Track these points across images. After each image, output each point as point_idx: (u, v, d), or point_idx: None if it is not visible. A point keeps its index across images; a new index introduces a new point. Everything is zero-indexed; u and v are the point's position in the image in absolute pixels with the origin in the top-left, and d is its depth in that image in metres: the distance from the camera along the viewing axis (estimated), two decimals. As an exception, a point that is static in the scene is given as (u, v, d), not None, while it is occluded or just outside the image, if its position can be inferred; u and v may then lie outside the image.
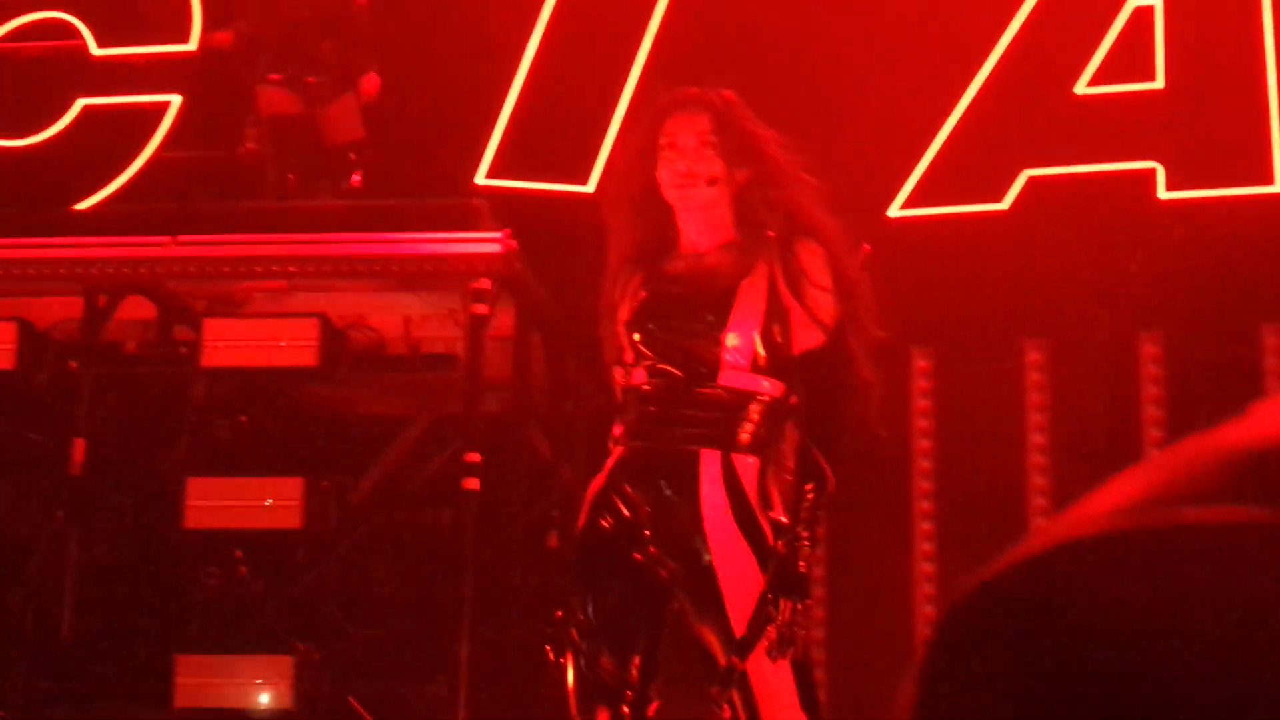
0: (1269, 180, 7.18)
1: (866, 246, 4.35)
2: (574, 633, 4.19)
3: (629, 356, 4.31)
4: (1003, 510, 7.43)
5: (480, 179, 7.67)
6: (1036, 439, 7.49)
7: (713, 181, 4.29)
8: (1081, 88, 7.47)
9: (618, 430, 4.32)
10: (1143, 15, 7.51)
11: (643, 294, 4.32)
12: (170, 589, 7.18)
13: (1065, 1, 7.58)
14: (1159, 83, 7.42)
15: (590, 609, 4.19)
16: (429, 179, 7.66)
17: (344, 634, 7.26)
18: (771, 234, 4.27)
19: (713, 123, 4.32)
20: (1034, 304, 7.50)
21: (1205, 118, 7.34)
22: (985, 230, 7.42)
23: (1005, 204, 7.40)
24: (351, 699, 7.04)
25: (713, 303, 4.22)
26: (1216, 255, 7.36)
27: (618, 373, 4.37)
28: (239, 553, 7.05)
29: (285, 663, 6.83)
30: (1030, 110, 7.51)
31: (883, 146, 7.48)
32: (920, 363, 7.61)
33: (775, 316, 4.21)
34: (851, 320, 4.24)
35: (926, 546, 7.51)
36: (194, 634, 7.05)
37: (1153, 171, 7.28)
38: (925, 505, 7.54)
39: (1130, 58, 7.47)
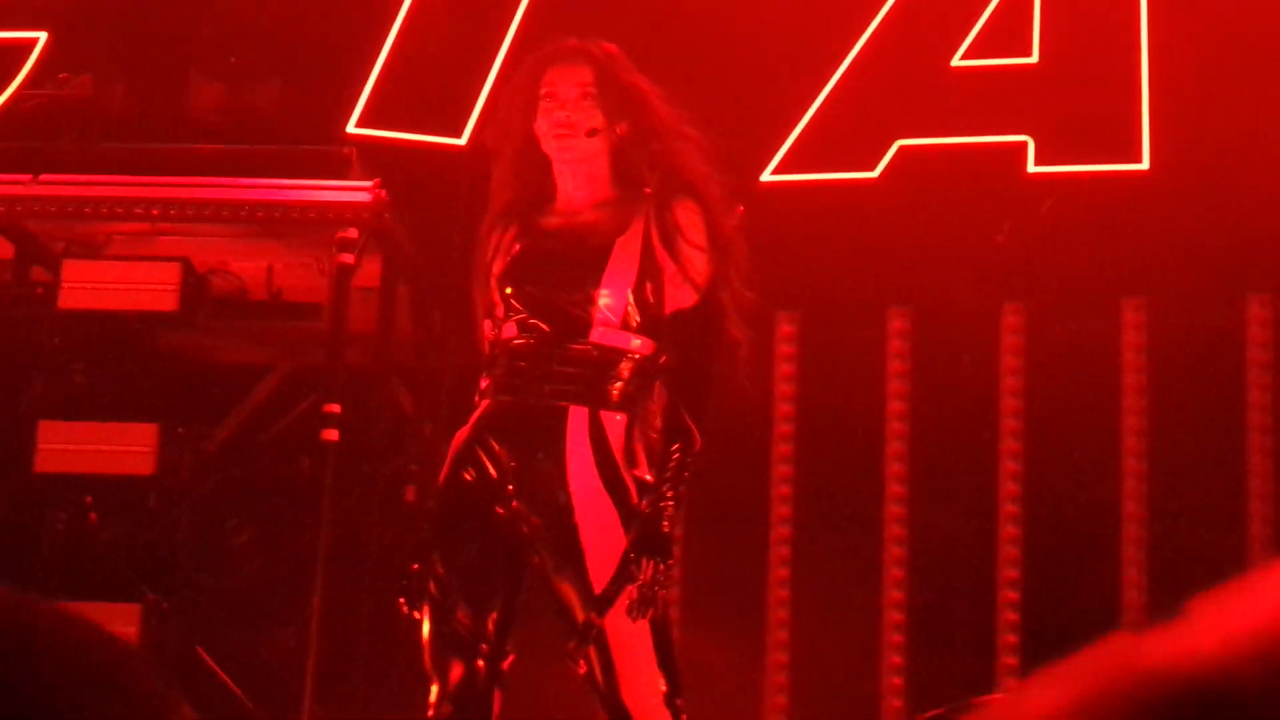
0: (1138, 158, 7.25)
1: (740, 208, 4.34)
2: (431, 585, 4.16)
3: (500, 311, 4.28)
4: (860, 475, 7.47)
5: (351, 128, 7.57)
6: (896, 405, 7.53)
7: (592, 132, 4.26)
8: (957, 60, 7.49)
9: (484, 383, 4.29)
10: (1020, -11, 7.56)
11: (517, 248, 4.29)
12: (18, 533, 7.05)
13: (943, -27, 7.61)
14: (1034, 58, 7.46)
15: (448, 562, 4.16)
16: (300, 126, 7.55)
17: (195, 583, 7.16)
18: (649, 190, 4.25)
19: (594, 74, 4.29)
20: (900, 273, 7.53)
21: (1078, 94, 7.39)
22: (856, 198, 7.44)
23: (876, 173, 7.41)
24: (199, 649, 6.96)
25: (587, 259, 4.20)
26: (1083, 230, 7.43)
27: (486, 326, 4.34)
28: (89, 498, 6.94)
29: (133, 611, 6.73)
30: (905, 81, 7.53)
31: (757, 111, 7.46)
32: (785, 327, 7.62)
33: (649, 275, 4.19)
34: (724, 280, 4.23)
35: (783, 509, 7.53)
36: (40, 579, 6.93)
37: (1024, 145, 7.32)
38: (784, 469, 7.56)
39: (1007, 32, 7.51)
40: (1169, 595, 7.14)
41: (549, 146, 4.29)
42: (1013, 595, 7.31)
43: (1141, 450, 7.33)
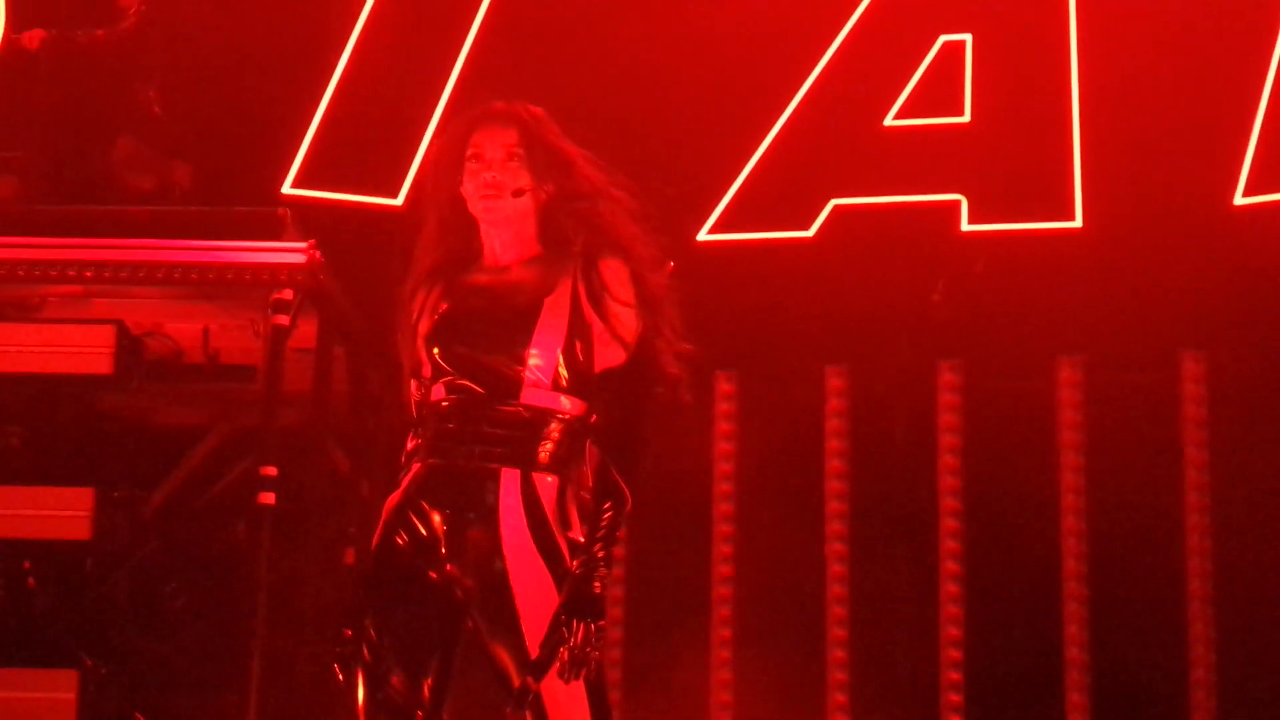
0: (1070, 216, 7.30)
1: (670, 264, 4.34)
2: (365, 651, 4.13)
3: (427, 371, 4.26)
4: (801, 533, 7.47)
5: (287, 188, 7.57)
6: (835, 464, 7.54)
7: (518, 193, 4.26)
8: (890, 119, 7.54)
9: (411, 444, 4.27)
10: (953, 50, 7.62)
11: (444, 307, 4.28)
12: (-45, 599, 6.99)
13: (876, 34, 7.66)
14: (966, 116, 7.52)
15: (382, 627, 4.13)
16: (235, 188, 7.54)
17: (133, 648, 7.11)
18: (576, 249, 4.25)
19: (520, 135, 4.29)
20: (837, 331, 7.55)
21: (1010, 152, 7.45)
22: (791, 257, 7.47)
23: (811, 232, 7.45)
24: (137, 714, 6.90)
25: (515, 319, 4.19)
26: (1018, 288, 7.46)
27: (413, 386, 4.32)
28: (26, 563, 6.88)
29: (70, 676, 6.67)
30: (839, 140, 7.58)
31: (692, 171, 7.49)
32: (724, 386, 7.64)
33: (578, 334, 4.18)
34: (655, 332, 4.22)
35: (725, 568, 7.53)
36: (-23, 645, 6.87)
37: (957, 204, 7.37)
38: (725, 528, 7.56)
39: (939, 91, 7.56)
40: (1109, 651, 7.16)
41: (475, 207, 4.28)
42: (955, 654, 7.31)
43: (1080, 507, 7.36)
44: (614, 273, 4.22)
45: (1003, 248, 7.40)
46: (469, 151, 4.29)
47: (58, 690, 6.66)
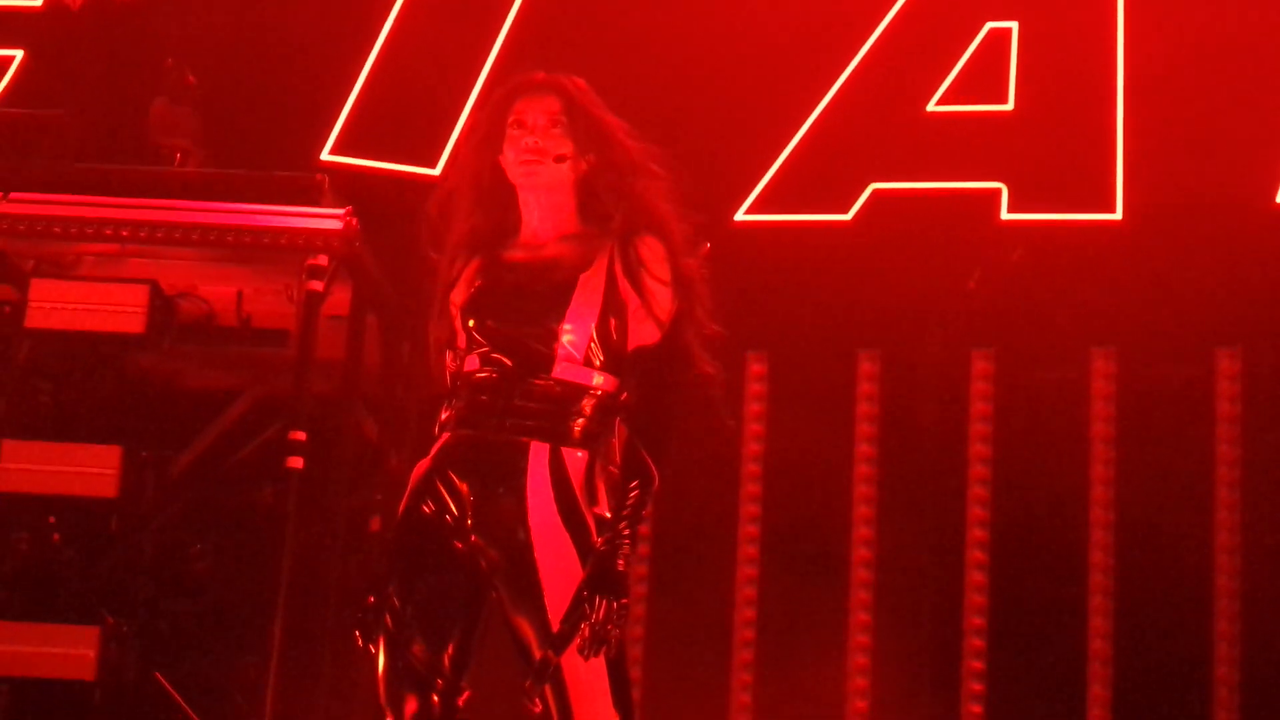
0: (1111, 208, 7.27)
1: (706, 245, 4.33)
2: (387, 618, 4.13)
3: (461, 342, 4.26)
4: (828, 516, 7.46)
5: (325, 155, 7.56)
6: (865, 449, 7.52)
7: (560, 159, 4.25)
8: (932, 105, 7.52)
9: (445, 415, 4.27)
10: (998, 37, 7.58)
11: (480, 280, 4.27)
12: (-22, 552, 7.01)
13: (921, 19, 7.63)
14: (1009, 105, 7.49)
15: (405, 595, 4.13)
16: (273, 152, 7.54)
17: (155, 608, 7.11)
18: (614, 225, 4.23)
19: (562, 104, 4.28)
20: (871, 316, 7.53)
21: (1052, 143, 7.42)
22: (828, 240, 7.45)
23: (849, 216, 7.43)
24: (158, 674, 6.91)
25: (550, 294, 4.18)
26: (1054, 278, 7.43)
27: (448, 357, 4.32)
28: (52, 519, 6.89)
29: (92, 633, 6.68)
30: (880, 124, 7.55)
31: (732, 151, 7.48)
32: (755, 367, 7.62)
33: (612, 311, 4.17)
34: (688, 316, 4.21)
35: (750, 549, 7.52)
36: (0, 599, 6.88)
37: (997, 192, 7.34)
38: (752, 508, 7.55)
39: (983, 78, 7.53)
40: (1134, 644, 7.14)
41: (516, 174, 4.27)
42: (978, 643, 7.29)
43: (1109, 499, 7.33)
44: (651, 250, 4.21)
45: (1041, 237, 7.37)
46: (511, 118, 4.28)
47: (78, 646, 6.68)
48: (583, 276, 4.19)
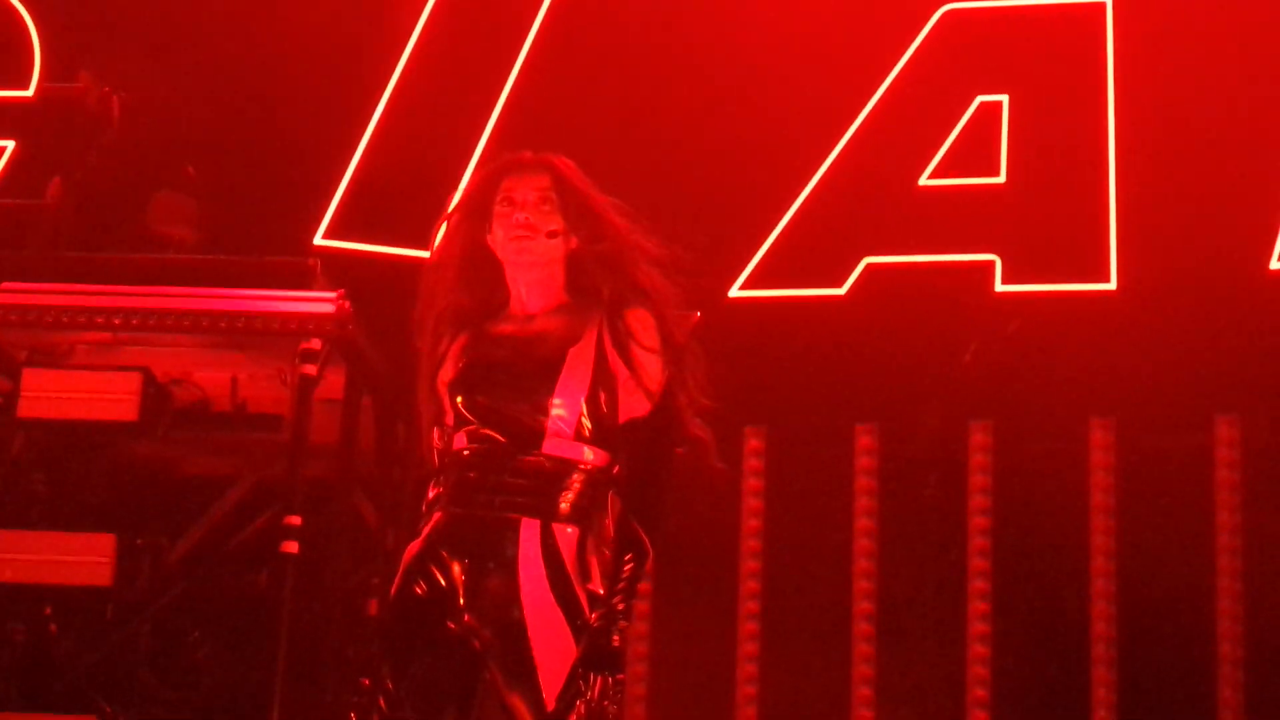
0: (1105, 278, 7.26)
1: (697, 314, 4.31)
2: (381, 701, 4.09)
3: (449, 419, 4.23)
4: (828, 591, 7.42)
5: (318, 239, 7.57)
6: (864, 523, 7.49)
7: (552, 234, 4.24)
8: (925, 179, 7.52)
9: (433, 493, 4.24)
10: (989, 110, 7.60)
11: (467, 356, 4.25)
12: (-26, 644, 6.96)
13: (913, 94, 7.65)
14: (1001, 177, 7.49)
15: (398, 677, 4.09)
16: (265, 238, 7.54)
17: (154, 697, 7.07)
18: (602, 297, 4.22)
19: (551, 180, 4.28)
20: (868, 389, 7.51)
21: (1045, 213, 7.42)
22: (823, 315, 7.44)
23: (844, 290, 7.42)
24: (156, 764, 6.86)
25: (540, 369, 4.16)
26: (1050, 349, 7.42)
27: (435, 434, 4.30)
28: (48, 609, 6.86)
29: (90, 724, 6.65)
30: (873, 198, 7.56)
31: (725, 226, 7.48)
32: (753, 442, 7.59)
33: (602, 384, 4.16)
34: (679, 384, 4.19)
35: (751, 625, 7.47)
36: (-3, 690, 6.85)
37: (991, 264, 7.33)
38: (752, 584, 7.50)
39: (974, 151, 7.54)
40: (1138, 716, 7.09)
41: (506, 250, 4.26)
42: (982, 716, 7.24)
43: (1111, 570, 7.30)
44: (640, 321, 4.19)
45: (1036, 308, 7.36)
46: (499, 196, 4.28)
47: (78, 737, 6.64)
48: (571, 350, 4.17)
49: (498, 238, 4.26)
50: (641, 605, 7.05)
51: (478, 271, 4.32)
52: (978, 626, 7.32)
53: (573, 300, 4.27)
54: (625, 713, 4.08)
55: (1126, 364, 7.37)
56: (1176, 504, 7.29)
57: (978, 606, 7.32)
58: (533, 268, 4.25)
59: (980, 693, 7.27)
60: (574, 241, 4.27)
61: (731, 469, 4.37)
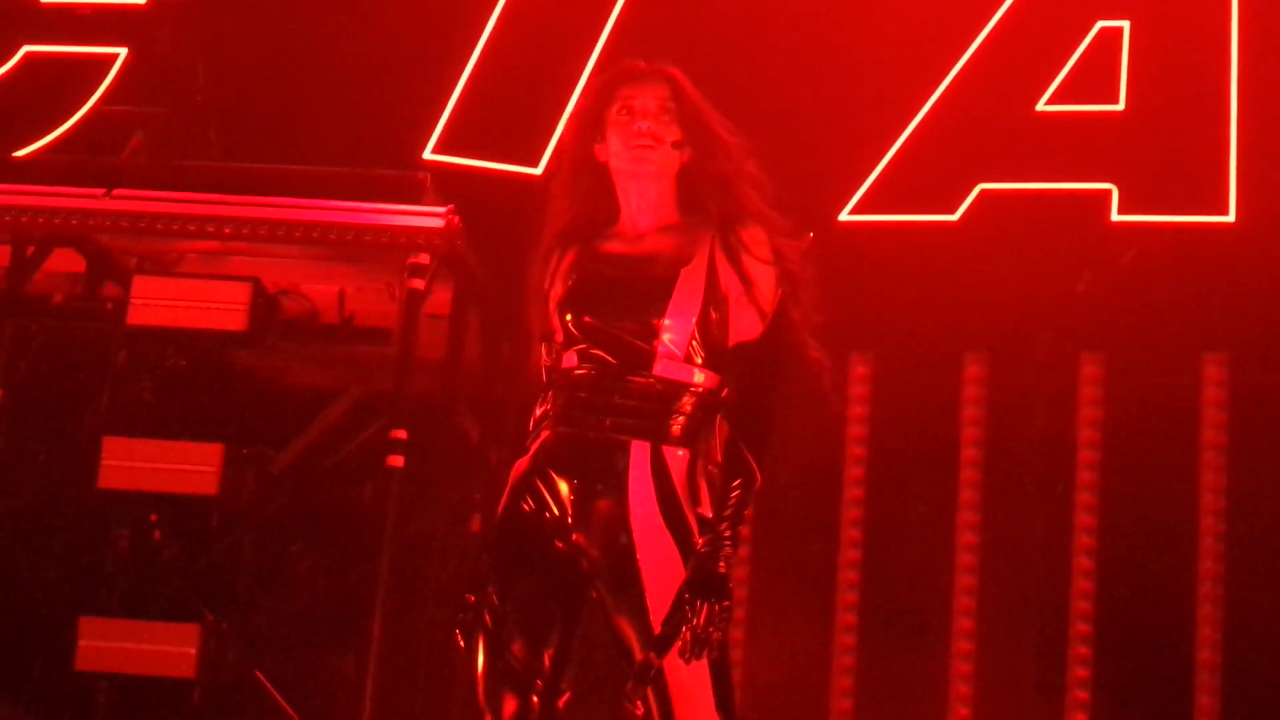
0: (1224, 210, 7.13)
1: (810, 234, 4.24)
2: (487, 617, 4.07)
3: (559, 337, 4.20)
4: (931, 522, 7.37)
5: (428, 154, 7.54)
6: (970, 453, 7.42)
7: (678, 144, 4.18)
8: (1042, 105, 7.41)
9: (540, 411, 4.21)
10: (1109, 36, 7.46)
11: (576, 274, 4.21)
12: (80, 548, 7.03)
13: (1032, 18, 7.52)
14: (1120, 105, 7.37)
15: (504, 595, 4.08)
16: (377, 151, 7.53)
17: (255, 605, 7.13)
18: (714, 215, 4.16)
19: (670, 91, 4.22)
20: (977, 318, 7.42)
21: (1164, 143, 7.29)
22: (934, 241, 7.35)
23: (956, 216, 7.33)
24: (258, 672, 6.91)
25: (651, 289, 4.11)
26: (1165, 282, 7.30)
27: (543, 350, 4.26)
28: (153, 516, 6.91)
29: (192, 631, 6.70)
30: (989, 123, 7.45)
31: (837, 150, 7.40)
32: (859, 369, 7.53)
33: (713, 305, 4.10)
34: (794, 303, 4.13)
35: (852, 553, 7.43)
36: (101, 596, 6.91)
37: (1108, 193, 7.21)
38: (854, 512, 7.46)
39: (1094, 78, 7.42)
40: (1243, 654, 7.02)
41: (623, 160, 4.19)
42: (1084, 650, 7.19)
43: (1220, 508, 7.20)
44: (753, 236, 4.13)
45: (1153, 239, 7.24)
46: (617, 105, 4.21)
47: (179, 644, 6.71)
48: (684, 271, 4.11)
49: (614, 148, 4.19)
50: (743, 530, 7.02)
51: (588, 185, 4.26)
52: (1082, 561, 7.25)
53: (683, 219, 4.21)
54: (728, 636, 4.03)
55: (1242, 299, 7.25)
56: (1287, 443, 7.20)
57: (1083, 541, 7.26)
58: (649, 179, 4.18)
59: (1083, 628, 7.21)
60: (688, 155, 4.20)
61: (839, 397, 4.31)
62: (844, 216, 7.37)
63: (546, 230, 4.30)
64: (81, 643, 6.71)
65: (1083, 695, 7.18)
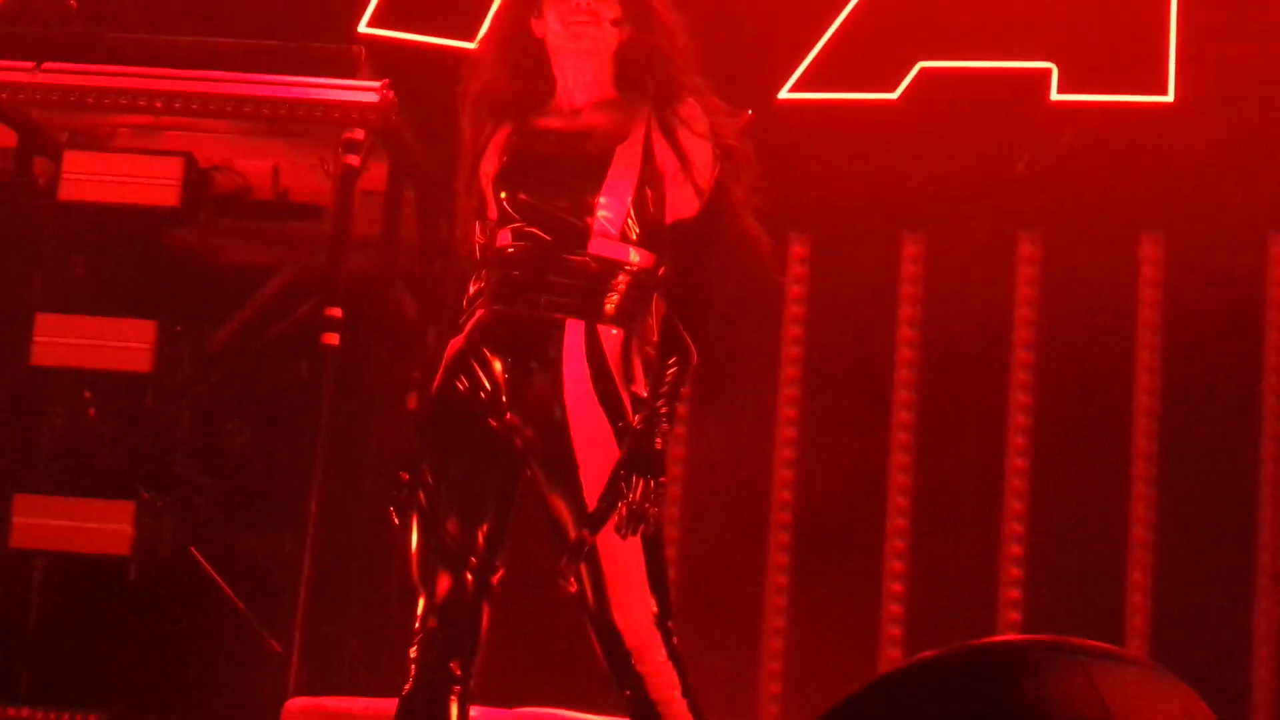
0: (1163, 90, 7.12)
1: (748, 112, 4.21)
2: (420, 496, 4.07)
3: (493, 214, 4.16)
4: (867, 398, 7.39)
5: (363, 27, 7.45)
6: (907, 332, 7.43)
7: (616, 21, 4.13)
8: (983, -18, 7.37)
9: (474, 288, 4.19)
10: (1050, -86, 7.42)
11: (511, 149, 4.17)
12: (14, 426, 6.98)
13: (971, -108, 7.46)
14: (1061, -18, 7.33)
15: (438, 473, 4.07)
16: (310, 24, 7.43)
17: (190, 483, 7.09)
18: (650, 90, 4.12)
19: None
20: (916, 197, 7.40)
21: (1104, 22, 7.25)
22: (874, 120, 7.32)
23: (896, 94, 7.29)
24: (194, 549, 6.89)
25: (586, 166, 4.08)
26: (1104, 162, 7.30)
27: (477, 228, 4.23)
28: (87, 393, 6.86)
29: (127, 508, 6.67)
30: (929, 1, 7.39)
31: (776, 27, 7.34)
32: (797, 248, 7.52)
33: (649, 182, 4.08)
34: (732, 180, 4.11)
35: (789, 431, 7.45)
36: (36, 473, 6.86)
37: (1047, 72, 7.19)
38: (791, 391, 7.47)
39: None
40: (1177, 531, 7.08)
41: (561, 36, 4.14)
42: (1018, 528, 7.23)
43: (1154, 387, 7.24)
44: (691, 113, 4.10)
45: (1091, 119, 7.23)
46: None
47: (114, 521, 6.68)
48: (620, 148, 4.08)
49: (551, 24, 4.15)
50: (680, 407, 7.02)
51: (523, 58, 4.21)
52: (1017, 439, 7.29)
53: (620, 96, 4.17)
54: (663, 515, 4.04)
55: (1181, 180, 7.25)
56: (1224, 323, 7.22)
57: (1018, 419, 7.29)
58: (585, 56, 4.14)
59: (1017, 505, 7.26)
60: (626, 33, 4.16)
61: (778, 275, 4.30)
62: (783, 94, 7.33)
63: (474, 101, 4.25)
64: (16, 520, 6.68)
65: (1015, 594, 7.23)
